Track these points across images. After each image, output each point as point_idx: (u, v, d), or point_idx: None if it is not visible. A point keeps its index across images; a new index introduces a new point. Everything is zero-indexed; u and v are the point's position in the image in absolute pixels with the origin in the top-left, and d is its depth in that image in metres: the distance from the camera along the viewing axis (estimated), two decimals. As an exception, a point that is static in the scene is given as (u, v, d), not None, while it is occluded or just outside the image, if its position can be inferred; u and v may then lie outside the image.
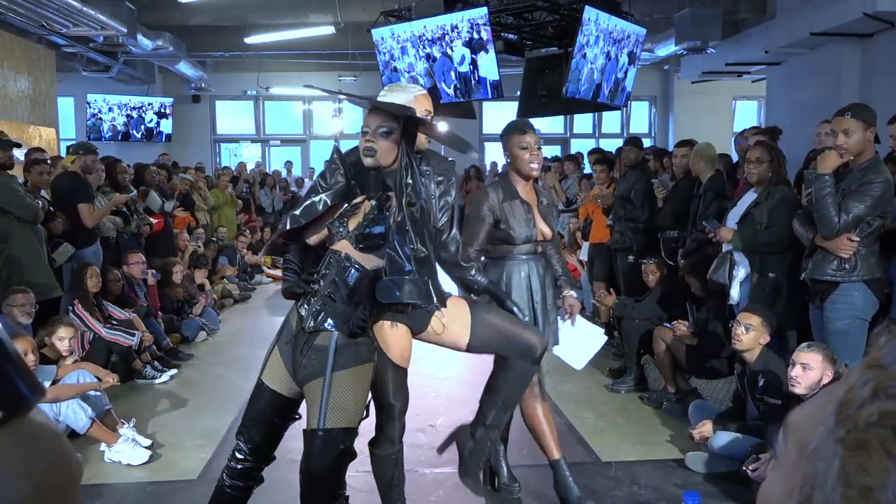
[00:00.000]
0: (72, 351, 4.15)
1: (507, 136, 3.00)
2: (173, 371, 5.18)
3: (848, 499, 0.43)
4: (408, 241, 2.03)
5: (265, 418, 2.25)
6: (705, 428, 3.48)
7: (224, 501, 2.33)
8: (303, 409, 2.24)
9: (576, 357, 3.17)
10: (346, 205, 2.24)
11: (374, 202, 2.18)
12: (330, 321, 2.13)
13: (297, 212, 2.26)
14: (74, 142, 7.34)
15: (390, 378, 2.46)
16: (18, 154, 5.42)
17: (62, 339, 4.02)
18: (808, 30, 7.29)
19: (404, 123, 2.17)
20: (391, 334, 2.40)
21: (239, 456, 2.28)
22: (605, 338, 3.20)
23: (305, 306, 2.18)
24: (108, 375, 4.00)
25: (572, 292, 3.16)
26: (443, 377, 5.06)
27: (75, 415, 3.58)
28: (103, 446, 3.63)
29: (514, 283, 2.95)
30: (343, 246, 2.19)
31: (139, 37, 9.40)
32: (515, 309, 2.74)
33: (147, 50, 10.06)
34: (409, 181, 2.11)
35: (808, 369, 3.02)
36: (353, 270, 2.15)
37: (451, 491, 3.29)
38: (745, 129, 5.55)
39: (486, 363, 5.64)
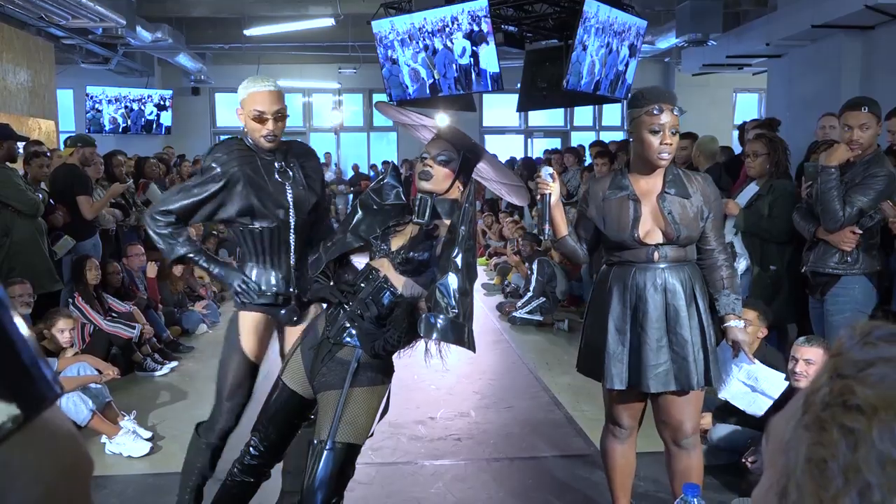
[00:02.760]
0: (72, 343, 4.15)
1: (634, 110, 2.39)
2: (174, 363, 5.19)
3: (810, 475, 0.45)
4: (460, 282, 2.02)
5: (283, 417, 2.27)
6: (704, 420, 3.48)
7: (233, 495, 2.35)
8: None
9: (748, 404, 2.69)
10: (390, 223, 2.23)
11: (422, 227, 2.17)
12: (355, 338, 2.13)
13: (334, 242, 2.27)
14: (74, 134, 7.33)
15: (233, 368, 2.51)
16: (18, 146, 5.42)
17: (62, 330, 4.03)
18: (810, 22, 7.27)
19: (464, 156, 2.19)
20: (250, 324, 2.49)
21: (253, 452, 2.29)
22: (786, 383, 2.65)
23: (335, 316, 2.18)
24: (109, 368, 4.01)
25: (735, 322, 2.46)
26: (443, 370, 5.06)
27: (76, 407, 3.59)
28: (104, 438, 3.63)
29: (612, 300, 2.45)
30: (382, 264, 2.18)
31: (138, 29, 9.37)
32: (610, 338, 2.40)
33: (146, 42, 10.04)
34: (469, 228, 2.09)
35: (812, 364, 3.03)
36: (387, 293, 2.14)
37: (451, 483, 3.31)
38: (745, 122, 5.54)
39: (484, 356, 5.66)
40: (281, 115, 2.46)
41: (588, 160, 8.27)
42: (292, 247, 2.53)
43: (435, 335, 2.00)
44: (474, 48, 6.31)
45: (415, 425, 4.00)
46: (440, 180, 2.16)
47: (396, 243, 2.18)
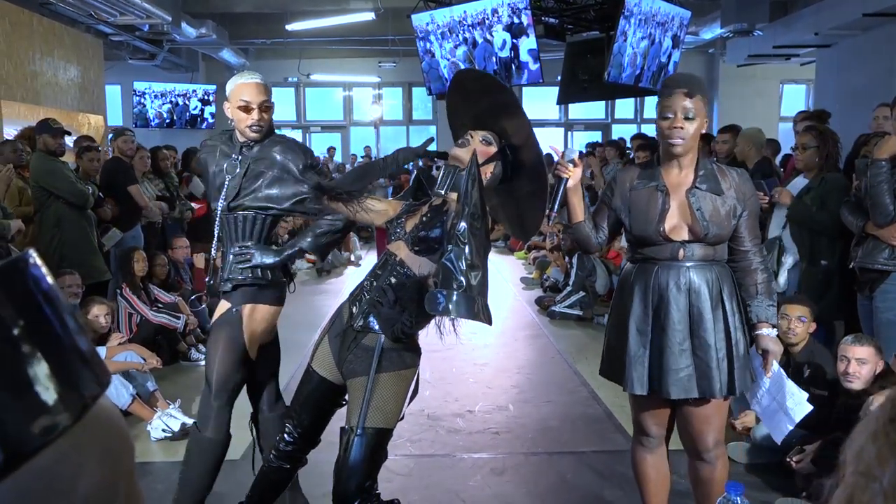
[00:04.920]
0: (108, 327, 4.27)
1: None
2: (217, 354, 5.28)
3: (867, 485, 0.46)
4: (465, 256, 2.00)
5: (315, 403, 2.29)
6: (748, 418, 3.42)
7: (271, 482, 2.39)
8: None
9: (774, 423, 2.48)
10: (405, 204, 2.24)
11: (433, 204, 2.16)
12: (376, 324, 2.14)
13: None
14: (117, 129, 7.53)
15: (225, 358, 2.54)
16: (67, 141, 5.57)
17: (98, 316, 4.15)
18: (861, 10, 7.06)
19: (504, 149, 2.21)
20: (255, 317, 2.52)
21: (288, 439, 2.32)
22: (810, 407, 2.42)
23: (357, 303, 2.20)
24: (152, 357, 4.12)
25: (767, 331, 2.29)
26: (481, 363, 5.07)
27: (116, 391, 3.70)
28: (148, 426, 3.73)
29: (634, 300, 2.32)
30: (398, 248, 2.18)
31: (183, 25, 9.54)
32: (631, 339, 2.27)
33: (191, 38, 10.22)
34: (476, 193, 2.08)
35: (864, 363, 2.95)
36: (403, 276, 2.15)
37: (489, 476, 3.31)
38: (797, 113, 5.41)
39: (523, 350, 5.63)
40: (266, 107, 2.53)
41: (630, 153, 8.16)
42: (215, 237, 2.63)
43: (443, 310, 1.97)
44: (514, 41, 6.27)
45: (453, 418, 4.01)
46: (477, 153, 2.17)
47: (410, 224, 2.18)
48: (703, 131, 2.31)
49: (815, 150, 3.86)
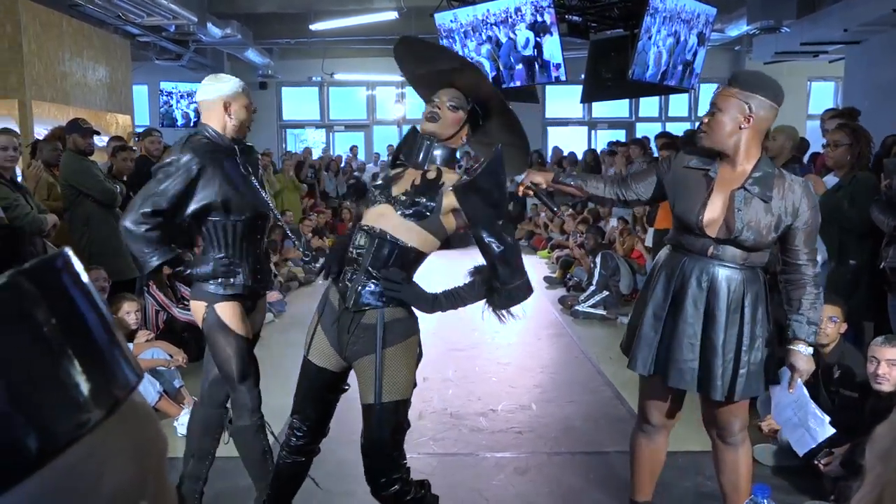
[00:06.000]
0: (138, 324, 4.32)
1: None
2: (242, 351, 5.34)
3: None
4: (509, 271, 2.07)
5: (316, 395, 2.30)
6: (774, 421, 3.38)
7: (287, 476, 2.41)
8: (353, 380, 2.28)
9: (796, 437, 2.53)
10: (384, 173, 2.28)
11: (426, 175, 2.16)
12: (373, 299, 2.13)
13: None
14: (144, 129, 7.63)
15: (235, 351, 2.56)
16: (97, 141, 5.66)
17: (128, 313, 4.20)
18: (891, 5, 6.93)
19: (473, 108, 2.21)
20: (230, 311, 2.56)
21: (297, 433, 2.35)
22: (833, 430, 2.46)
23: (348, 284, 2.17)
24: (179, 354, 4.17)
25: (801, 347, 2.26)
26: (505, 362, 5.06)
27: (144, 388, 3.74)
28: (175, 422, 3.78)
29: (658, 284, 2.34)
30: (380, 215, 2.14)
31: (209, 25, 9.64)
32: (645, 321, 2.34)
33: (216, 38, 10.32)
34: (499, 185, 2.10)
35: (894, 365, 2.90)
36: (389, 246, 2.12)
37: (512, 475, 3.30)
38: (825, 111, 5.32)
39: (546, 349, 5.62)
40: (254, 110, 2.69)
41: (655, 152, 8.10)
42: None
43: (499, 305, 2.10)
44: (538, 39, 6.25)
45: (476, 417, 4.01)
46: (448, 124, 2.17)
47: (398, 189, 2.17)
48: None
49: (846, 148, 3.80)
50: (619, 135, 14.23)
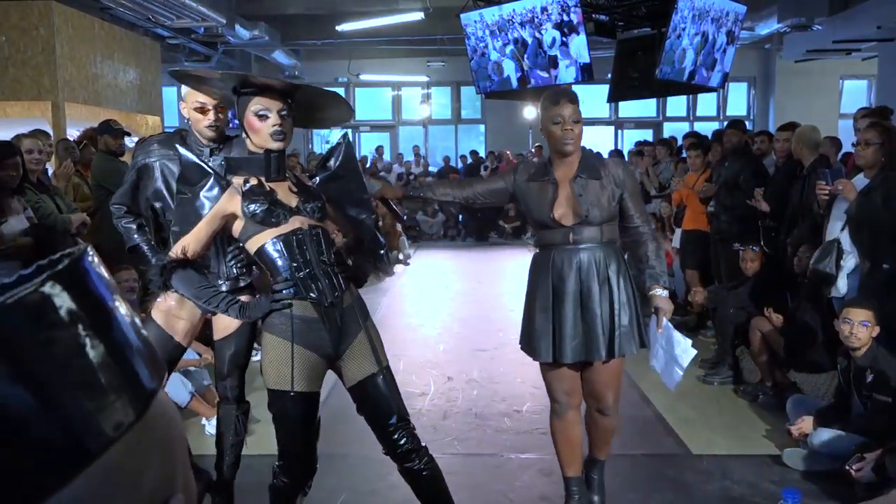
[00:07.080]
0: (134, 290, 4.38)
1: (541, 108, 2.73)
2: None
3: None
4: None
5: (309, 427, 2.34)
6: (805, 424, 3.33)
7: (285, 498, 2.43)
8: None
9: (667, 372, 2.75)
10: (243, 189, 2.20)
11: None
12: (342, 283, 2.27)
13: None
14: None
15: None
16: (128, 142, 5.74)
17: (126, 280, 4.27)
18: (928, 2, 6.79)
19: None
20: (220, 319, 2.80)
21: (303, 480, 2.43)
22: (695, 352, 2.69)
23: (315, 285, 2.20)
24: (207, 352, 4.20)
25: (659, 291, 2.65)
26: (529, 363, 5.03)
27: (176, 389, 3.78)
28: (203, 420, 3.81)
29: (539, 281, 2.68)
30: (300, 224, 2.21)
31: (237, 27, 9.74)
32: (538, 316, 2.66)
33: (244, 39, 10.43)
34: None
35: None
36: (325, 242, 2.26)
37: (536, 476, 3.29)
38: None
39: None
40: (223, 107, 2.66)
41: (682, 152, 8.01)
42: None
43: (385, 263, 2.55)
44: (564, 38, 6.21)
45: (500, 418, 4.00)
46: (290, 135, 2.24)
47: (290, 201, 2.22)
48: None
49: (878, 148, 3.72)
50: (647, 134, 14.11)
